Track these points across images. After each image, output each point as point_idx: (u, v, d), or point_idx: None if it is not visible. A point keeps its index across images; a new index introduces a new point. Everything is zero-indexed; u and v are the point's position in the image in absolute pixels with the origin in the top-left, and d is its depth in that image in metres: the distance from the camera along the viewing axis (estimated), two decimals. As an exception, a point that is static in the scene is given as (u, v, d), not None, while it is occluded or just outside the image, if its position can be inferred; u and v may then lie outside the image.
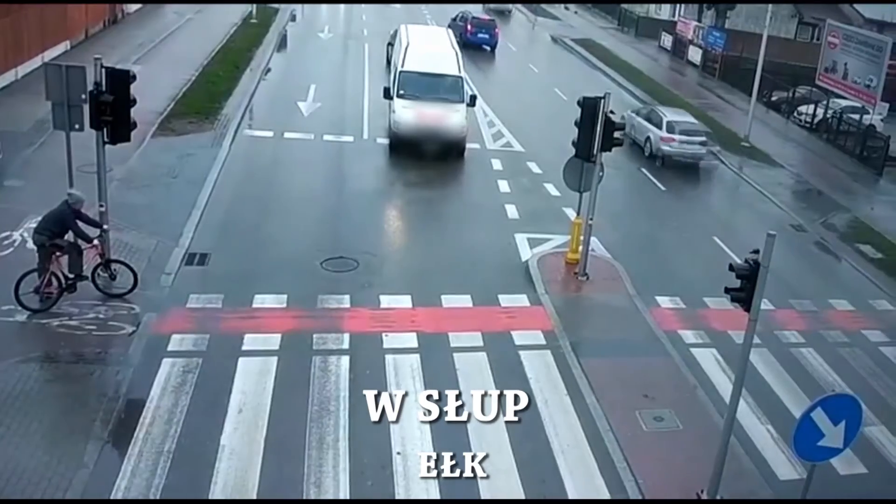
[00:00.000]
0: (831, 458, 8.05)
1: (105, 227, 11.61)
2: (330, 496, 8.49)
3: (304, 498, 8.45)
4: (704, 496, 8.85)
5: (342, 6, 40.15)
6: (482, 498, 8.72)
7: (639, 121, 22.51)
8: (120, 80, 11.28)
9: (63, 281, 11.05)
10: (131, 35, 27.33)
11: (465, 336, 11.75)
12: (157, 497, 8.18)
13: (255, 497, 8.35)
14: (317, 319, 11.76)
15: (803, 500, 8.06)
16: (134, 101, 11.49)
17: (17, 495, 7.92)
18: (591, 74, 33.51)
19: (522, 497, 8.80)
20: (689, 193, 20.91)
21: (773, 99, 30.73)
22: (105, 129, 11.42)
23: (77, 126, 11.56)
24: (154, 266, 12.58)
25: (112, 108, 11.21)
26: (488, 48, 33.71)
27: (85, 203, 11.28)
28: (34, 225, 11.66)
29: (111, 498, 8.09)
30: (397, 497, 8.60)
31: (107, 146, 11.64)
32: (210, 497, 8.28)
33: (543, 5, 48.23)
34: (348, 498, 8.49)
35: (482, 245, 15.10)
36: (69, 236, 11.16)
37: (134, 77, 11.48)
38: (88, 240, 11.15)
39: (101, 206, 11.81)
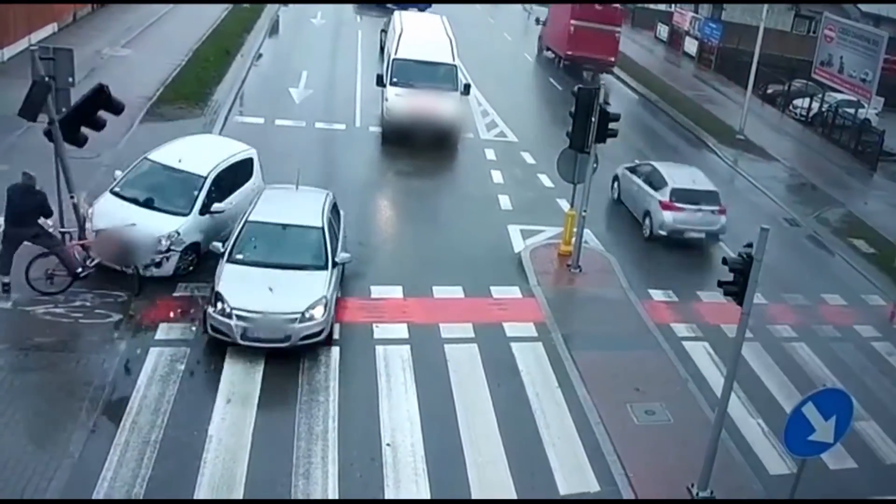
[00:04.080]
0: (821, 454, 8.03)
1: (85, 215, 11.43)
2: (318, 487, 8.43)
3: (293, 489, 8.38)
4: (694, 490, 8.84)
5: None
6: (471, 490, 8.67)
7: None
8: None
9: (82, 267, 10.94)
10: (120, 18, 26.91)
11: (456, 327, 11.68)
12: (144, 487, 8.08)
13: (242, 489, 8.26)
14: (307, 309, 11.64)
15: (793, 501, 8.06)
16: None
17: (0, 484, 7.80)
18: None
19: (512, 489, 8.76)
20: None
21: (769, 92, 30.70)
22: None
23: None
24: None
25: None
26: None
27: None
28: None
29: (97, 488, 7.99)
30: (386, 489, 8.54)
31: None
32: (197, 488, 8.19)
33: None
34: (337, 489, 8.42)
35: (474, 236, 15.01)
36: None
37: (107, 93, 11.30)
38: (50, 212, 10.95)
39: (72, 196, 11.59)
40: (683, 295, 13.85)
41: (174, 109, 19.08)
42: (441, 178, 18.33)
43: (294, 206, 11.79)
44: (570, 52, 28.46)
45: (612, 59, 28.80)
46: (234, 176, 12.74)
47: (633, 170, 17.21)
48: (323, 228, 11.19)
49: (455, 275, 13.17)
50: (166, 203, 11.75)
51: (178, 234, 11.42)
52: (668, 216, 15.37)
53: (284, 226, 11.22)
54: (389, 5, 33.29)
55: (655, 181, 16.08)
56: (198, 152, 12.96)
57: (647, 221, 15.93)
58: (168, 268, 11.50)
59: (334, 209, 12.30)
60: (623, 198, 17.32)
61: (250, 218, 11.22)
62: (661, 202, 15.45)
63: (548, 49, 31.51)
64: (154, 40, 25.04)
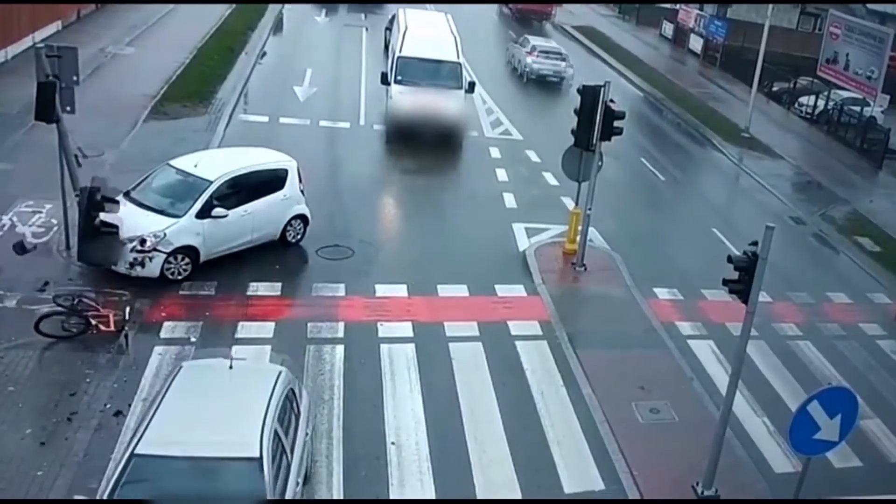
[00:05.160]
0: (827, 452, 8.00)
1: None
2: (323, 486, 8.42)
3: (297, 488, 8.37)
4: (699, 488, 8.82)
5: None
6: (476, 489, 8.66)
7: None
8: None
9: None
10: (124, 16, 26.94)
11: (460, 326, 11.67)
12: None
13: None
14: (311, 308, 11.65)
15: (797, 500, 8.03)
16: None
17: (5, 483, 7.83)
18: (591, 62, 33.25)
19: (517, 488, 8.75)
20: (688, 184, 20.83)
21: (774, 89, 30.57)
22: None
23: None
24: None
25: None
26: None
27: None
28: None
29: (102, 485, 8.00)
30: (391, 487, 8.53)
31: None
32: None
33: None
34: (342, 488, 8.42)
35: (479, 234, 14.98)
36: None
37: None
38: None
39: (77, 195, 11.58)
40: (688, 293, 13.80)
41: (178, 108, 19.08)
42: (445, 177, 18.30)
43: (218, 410, 7.10)
44: (518, 7, 39.20)
45: (550, 9, 39.14)
46: (257, 184, 12.38)
47: (515, 41, 29.28)
48: (261, 459, 6.56)
49: (459, 273, 13.15)
50: (167, 205, 11.60)
51: (165, 234, 11.15)
52: (533, 63, 26.53)
53: (196, 460, 6.54)
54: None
55: (527, 45, 27.44)
56: (220, 159, 12.79)
57: (522, 69, 27.23)
58: (153, 268, 11.19)
59: (288, 399, 7.58)
60: (512, 62, 28.72)
61: (139, 449, 6.56)
62: (528, 54, 26.83)
63: (506, 5, 41.19)
64: (158, 38, 25.06)
